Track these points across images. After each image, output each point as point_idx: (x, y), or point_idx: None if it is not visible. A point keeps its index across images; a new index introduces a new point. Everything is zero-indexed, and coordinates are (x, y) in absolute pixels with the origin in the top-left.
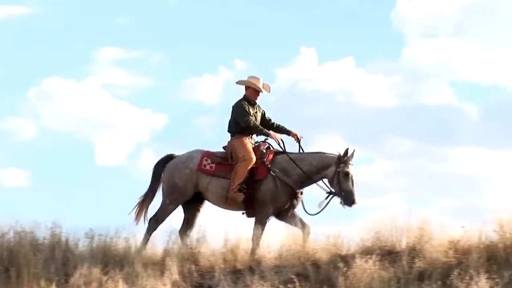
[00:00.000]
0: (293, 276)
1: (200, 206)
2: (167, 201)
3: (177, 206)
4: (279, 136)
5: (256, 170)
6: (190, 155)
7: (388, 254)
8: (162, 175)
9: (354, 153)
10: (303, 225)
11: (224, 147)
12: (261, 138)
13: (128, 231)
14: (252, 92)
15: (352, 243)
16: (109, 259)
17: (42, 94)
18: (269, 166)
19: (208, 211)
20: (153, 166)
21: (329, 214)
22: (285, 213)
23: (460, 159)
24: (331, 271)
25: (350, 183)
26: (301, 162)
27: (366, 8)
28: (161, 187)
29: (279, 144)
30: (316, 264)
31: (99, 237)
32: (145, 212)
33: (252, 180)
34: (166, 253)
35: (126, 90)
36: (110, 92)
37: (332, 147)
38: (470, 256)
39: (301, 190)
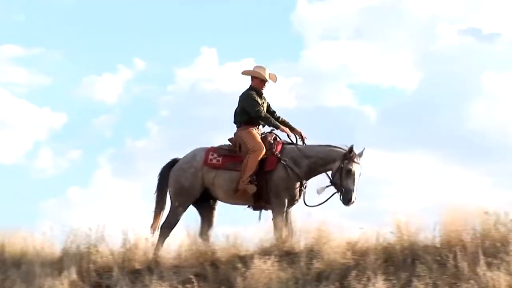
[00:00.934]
0: (191, 276)
1: (214, 204)
2: (176, 204)
3: (186, 208)
4: (287, 129)
5: (265, 161)
6: (193, 154)
7: (286, 255)
8: (169, 180)
9: (363, 153)
10: (290, 230)
11: (230, 139)
12: (268, 129)
13: (25, 230)
14: (258, 82)
15: (251, 244)
16: (6, 258)
17: None
18: (279, 156)
19: (106, 210)
20: (158, 173)
21: (228, 215)
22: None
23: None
24: (229, 271)
25: (351, 181)
26: (309, 153)
27: (267, 9)
28: (168, 192)
29: (288, 136)
30: (214, 265)
31: None
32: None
33: (262, 172)
34: (64, 252)
35: (24, 88)
36: (9, 90)
37: None
38: (367, 258)
39: (306, 183)
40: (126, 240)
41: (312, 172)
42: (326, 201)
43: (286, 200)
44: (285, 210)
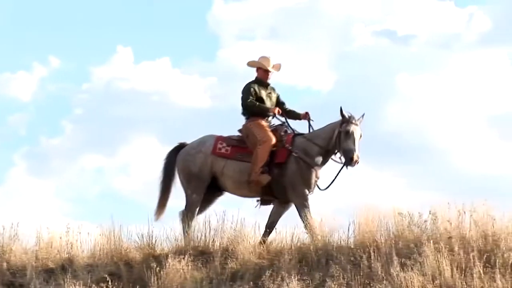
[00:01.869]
0: (106, 276)
1: (218, 194)
2: (189, 192)
3: (201, 194)
4: (278, 109)
5: (276, 153)
6: (202, 140)
7: (201, 255)
8: (176, 165)
9: (363, 116)
10: (270, 228)
11: (239, 130)
12: (277, 121)
13: None
14: (262, 73)
15: (166, 243)
16: None
17: None
18: (290, 148)
19: (20, 208)
20: (164, 158)
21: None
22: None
23: None
24: (144, 270)
25: (351, 141)
26: (316, 139)
27: (183, 9)
28: (179, 180)
29: (286, 121)
30: (129, 264)
31: None
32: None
33: (272, 164)
34: None
35: None
36: None
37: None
38: (282, 258)
39: (319, 174)
40: (40, 239)
41: (325, 157)
42: (335, 178)
43: (306, 191)
44: (308, 202)
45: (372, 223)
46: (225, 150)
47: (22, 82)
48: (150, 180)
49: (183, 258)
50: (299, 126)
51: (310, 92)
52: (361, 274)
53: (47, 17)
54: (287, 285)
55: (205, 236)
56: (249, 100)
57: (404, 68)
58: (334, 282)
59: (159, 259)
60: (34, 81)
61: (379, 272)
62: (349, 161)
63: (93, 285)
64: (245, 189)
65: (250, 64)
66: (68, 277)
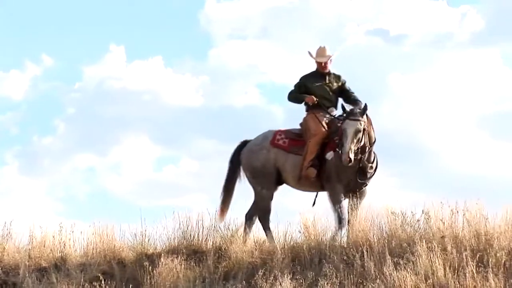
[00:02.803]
0: (98, 275)
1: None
2: (258, 188)
3: (270, 189)
4: (314, 98)
5: (326, 146)
6: (264, 135)
7: (194, 254)
8: (241, 164)
9: (363, 108)
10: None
11: (300, 124)
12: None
13: None
14: (318, 64)
15: (159, 242)
16: None
17: None
18: (338, 141)
19: (12, 207)
20: (230, 157)
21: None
22: (347, 194)
23: None
24: (136, 270)
25: (345, 138)
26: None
27: (175, 8)
28: (247, 179)
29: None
30: (122, 263)
31: None
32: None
33: (322, 157)
34: None
35: None
36: None
37: (139, 146)
38: (275, 257)
39: (369, 170)
40: (32, 238)
41: (356, 152)
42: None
43: (339, 186)
44: (340, 198)
45: (365, 222)
46: (282, 142)
47: (14, 81)
48: (141, 179)
49: (176, 257)
50: None
51: None
52: (354, 273)
53: (40, 15)
54: (280, 284)
55: (198, 235)
56: (289, 94)
57: (396, 68)
58: (327, 281)
59: (152, 258)
60: (27, 80)
61: (372, 271)
62: (340, 159)
63: (86, 284)
64: (303, 184)
65: (309, 55)
66: (61, 276)
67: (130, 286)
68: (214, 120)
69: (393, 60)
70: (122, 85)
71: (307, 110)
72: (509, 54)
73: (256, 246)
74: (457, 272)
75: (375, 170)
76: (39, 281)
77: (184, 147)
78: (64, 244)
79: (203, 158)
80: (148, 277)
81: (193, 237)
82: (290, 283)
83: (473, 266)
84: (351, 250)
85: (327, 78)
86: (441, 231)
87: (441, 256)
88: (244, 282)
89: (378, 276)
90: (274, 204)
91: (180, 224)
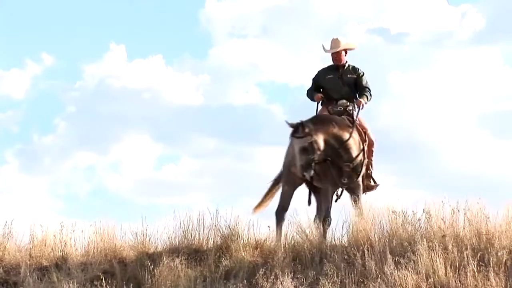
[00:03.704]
0: (99, 274)
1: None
2: (283, 183)
3: (292, 187)
4: (320, 96)
5: None
6: None
7: (195, 253)
8: None
9: (296, 126)
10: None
11: None
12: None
13: None
14: (332, 56)
15: (160, 242)
16: None
17: None
18: None
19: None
20: None
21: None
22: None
23: (266, 159)
24: (137, 269)
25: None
26: None
27: (176, 6)
28: None
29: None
30: (123, 262)
31: None
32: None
33: None
34: None
35: None
36: None
37: (139, 145)
38: (276, 256)
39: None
40: (33, 237)
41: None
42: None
43: (326, 185)
44: (328, 197)
45: (366, 221)
46: None
47: (15, 80)
48: (142, 178)
49: (177, 256)
50: None
51: (302, 90)
52: (355, 272)
53: (40, 14)
54: (281, 283)
55: (199, 234)
56: (308, 89)
57: (397, 67)
58: (328, 280)
59: (153, 257)
60: (27, 78)
61: (373, 271)
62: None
63: (87, 283)
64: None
65: (322, 49)
66: (62, 275)
67: (131, 285)
68: (214, 119)
69: (394, 58)
70: (123, 83)
71: (321, 104)
72: (509, 52)
73: (257, 245)
74: (458, 271)
75: (361, 166)
76: (40, 280)
77: (184, 146)
78: (65, 243)
79: (203, 157)
80: (149, 276)
81: (194, 236)
82: (291, 282)
83: (474, 265)
84: (352, 249)
85: (340, 70)
86: (442, 230)
87: (442, 255)
88: (245, 281)
89: (379, 275)
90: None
91: (181, 223)
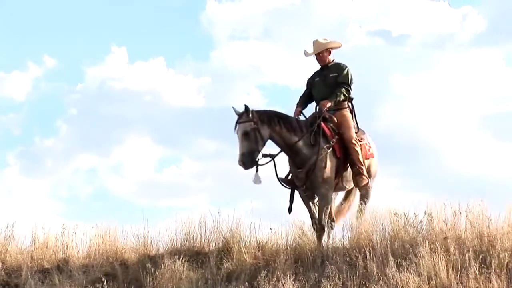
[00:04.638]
0: (101, 276)
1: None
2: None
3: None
4: (298, 110)
5: None
6: None
7: (196, 255)
8: None
9: (246, 110)
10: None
11: None
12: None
13: None
14: (316, 59)
15: (161, 244)
16: None
17: None
18: None
19: (14, 209)
20: None
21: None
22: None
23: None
24: (139, 271)
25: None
26: None
27: (177, 9)
28: None
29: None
30: (124, 264)
31: None
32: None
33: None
34: None
35: None
36: None
37: (140, 147)
38: (277, 258)
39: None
40: (35, 239)
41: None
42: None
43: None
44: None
45: (367, 223)
46: None
47: (17, 82)
48: (143, 180)
49: (179, 259)
50: None
51: None
52: (357, 274)
53: (42, 16)
54: (283, 285)
55: (200, 236)
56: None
57: (398, 69)
58: (330, 283)
59: (154, 260)
60: (28, 81)
61: (375, 273)
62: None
63: (89, 286)
64: None
65: (304, 54)
66: (63, 277)
67: (133, 287)
68: (215, 121)
69: (395, 61)
70: (124, 86)
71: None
72: (510, 54)
73: (258, 247)
74: (460, 273)
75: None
76: (41, 282)
77: (186, 148)
78: (67, 246)
79: (204, 159)
80: (151, 279)
81: (196, 238)
82: (293, 284)
83: (475, 267)
84: (354, 251)
85: (324, 71)
86: (443, 232)
87: (444, 257)
88: (246, 283)
89: (381, 278)
90: (276, 204)
91: (182, 225)
